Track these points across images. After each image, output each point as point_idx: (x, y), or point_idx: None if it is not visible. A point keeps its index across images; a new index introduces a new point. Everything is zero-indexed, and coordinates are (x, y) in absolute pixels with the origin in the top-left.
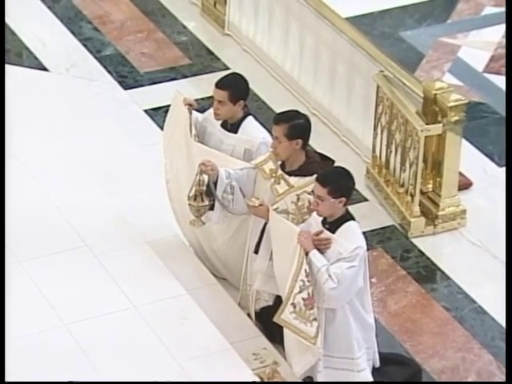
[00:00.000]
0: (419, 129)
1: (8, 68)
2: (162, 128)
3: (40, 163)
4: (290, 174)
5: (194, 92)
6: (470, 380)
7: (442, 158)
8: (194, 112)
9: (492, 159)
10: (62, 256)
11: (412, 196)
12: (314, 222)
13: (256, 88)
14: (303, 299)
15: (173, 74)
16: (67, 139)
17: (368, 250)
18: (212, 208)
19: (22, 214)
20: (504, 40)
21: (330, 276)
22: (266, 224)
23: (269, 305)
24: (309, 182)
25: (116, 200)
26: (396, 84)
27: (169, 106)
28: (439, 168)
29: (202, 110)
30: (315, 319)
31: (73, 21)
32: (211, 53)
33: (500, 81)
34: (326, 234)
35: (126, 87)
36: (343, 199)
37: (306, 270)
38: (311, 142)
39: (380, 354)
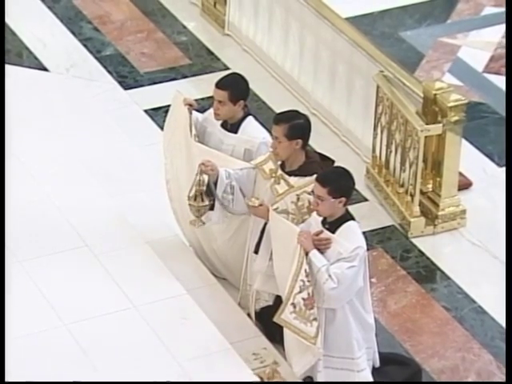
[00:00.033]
0: (419, 129)
1: (8, 68)
2: (162, 128)
3: (40, 163)
4: (290, 174)
5: (194, 92)
6: (469, 380)
7: (441, 158)
8: (194, 112)
9: (492, 159)
10: (62, 256)
11: (412, 196)
12: (314, 221)
13: (256, 88)
14: (303, 299)
15: (173, 74)
16: (67, 139)
17: (368, 249)
18: (212, 208)
19: (22, 214)
20: (504, 40)
21: (330, 276)
22: (265, 224)
23: (269, 305)
24: (309, 182)
25: (116, 200)
26: (396, 84)
27: (169, 106)
28: (439, 168)
29: (202, 110)
30: (315, 319)
31: (73, 21)
32: (211, 53)
33: (500, 81)
34: (326, 233)
35: (126, 87)
36: (343, 199)
37: (306, 270)
38: (311, 142)
39: (380, 353)
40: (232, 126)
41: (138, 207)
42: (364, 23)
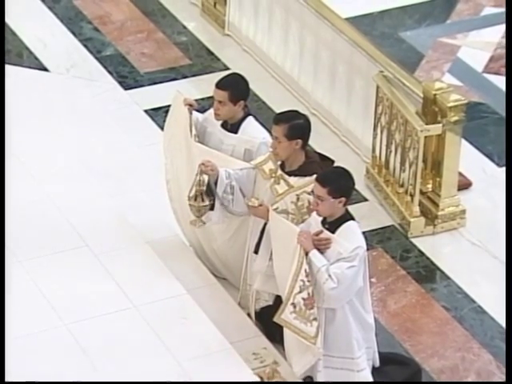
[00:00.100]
0: (419, 129)
1: (8, 68)
2: (162, 128)
3: (40, 163)
4: (290, 174)
5: (194, 92)
6: (469, 380)
7: (441, 158)
8: (194, 112)
9: (491, 159)
10: (62, 256)
11: (412, 196)
12: (314, 221)
13: (256, 88)
14: (303, 299)
15: (173, 74)
16: (67, 139)
17: (368, 249)
18: (212, 208)
19: (22, 214)
20: (503, 40)
21: (329, 276)
22: (265, 224)
23: (269, 304)
24: (308, 182)
25: (116, 200)
26: (396, 84)
27: (169, 106)
28: (439, 168)
29: (202, 110)
30: (315, 319)
31: (73, 21)
32: (211, 53)
33: (499, 81)
34: (326, 233)
35: (127, 87)
36: (343, 199)
37: (305, 270)
38: (311, 142)
39: (380, 353)
40: (232, 126)
41: (138, 207)
42: (364, 23)
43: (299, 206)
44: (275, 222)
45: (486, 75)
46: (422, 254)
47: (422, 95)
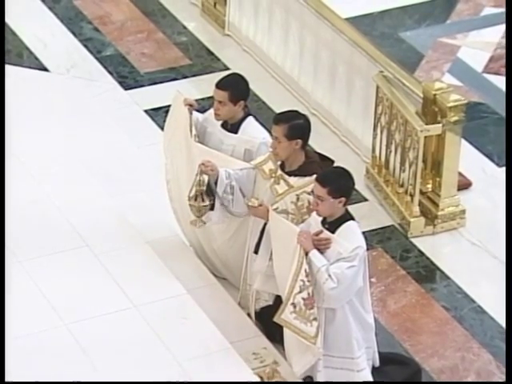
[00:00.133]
0: (419, 129)
1: (8, 68)
2: (162, 128)
3: (40, 163)
4: (290, 174)
5: (194, 92)
6: (469, 380)
7: (441, 158)
8: (194, 112)
9: (491, 159)
10: (63, 256)
11: (411, 196)
12: (314, 221)
13: (256, 88)
14: (303, 299)
15: (173, 74)
16: (67, 139)
17: (368, 249)
18: (212, 208)
19: (22, 214)
20: (503, 40)
21: (329, 276)
22: (265, 224)
23: (269, 304)
24: (308, 182)
25: (116, 200)
26: (396, 84)
27: (169, 106)
28: (439, 168)
29: (202, 111)
30: (315, 319)
31: (73, 21)
32: (211, 53)
33: (499, 81)
34: (326, 233)
35: (127, 87)
36: (343, 199)
37: (305, 270)
38: (311, 142)
39: (380, 353)
40: (232, 127)
41: (138, 207)
42: (364, 23)
43: (299, 206)
44: (275, 222)
45: (485, 75)
46: (421, 253)
47: (421, 95)
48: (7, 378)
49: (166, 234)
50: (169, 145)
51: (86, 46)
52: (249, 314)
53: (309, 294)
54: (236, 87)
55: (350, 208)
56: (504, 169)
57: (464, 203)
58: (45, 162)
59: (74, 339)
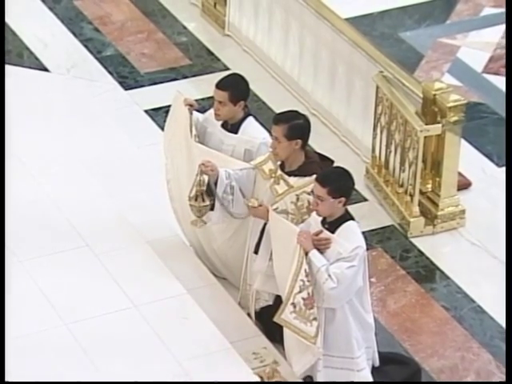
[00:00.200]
0: (418, 129)
1: (9, 68)
2: (162, 128)
3: (40, 163)
4: (290, 174)
5: (194, 92)
6: (469, 379)
7: (441, 158)
8: (194, 112)
9: (491, 159)
10: (63, 255)
11: (411, 196)
12: (314, 221)
13: (256, 88)
14: (303, 299)
15: (173, 74)
16: (68, 139)
17: (367, 249)
18: (213, 208)
19: (22, 214)
20: (503, 41)
21: (329, 276)
22: (265, 224)
23: (269, 304)
24: (308, 182)
25: (116, 200)
26: (395, 84)
27: (169, 106)
28: (438, 168)
29: (202, 111)
30: (315, 319)
31: (73, 21)
32: (211, 53)
33: (499, 81)
34: (326, 233)
35: (127, 87)
36: (343, 199)
37: (305, 270)
38: (311, 142)
39: (379, 353)
40: (232, 127)
41: (138, 207)
42: (364, 24)
43: (299, 206)
44: (275, 222)
45: (485, 75)
46: (421, 253)
47: (421, 95)
48: (7, 378)
49: (166, 234)
50: (169, 145)
51: (86, 46)
52: (249, 314)
53: (309, 293)
54: (236, 87)
55: (350, 208)
56: (504, 169)
57: (464, 203)
58: (45, 162)
59: (74, 339)
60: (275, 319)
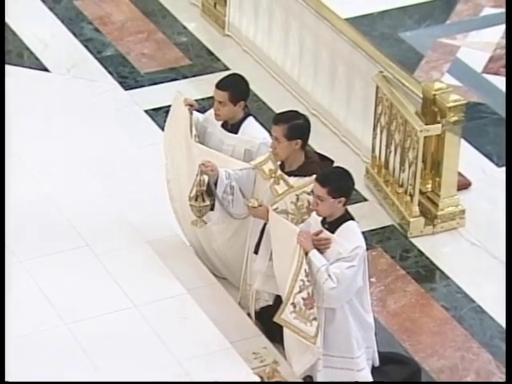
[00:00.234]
0: (418, 129)
1: (9, 68)
2: (162, 128)
3: (41, 163)
4: (290, 174)
5: (194, 92)
6: (468, 379)
7: (441, 158)
8: (194, 112)
9: (491, 159)
10: (63, 255)
11: (411, 196)
12: (314, 221)
13: (256, 88)
14: (303, 299)
15: (173, 74)
16: (68, 139)
17: (367, 249)
18: (213, 208)
19: (22, 214)
20: (503, 41)
21: (329, 276)
22: (265, 224)
23: (269, 304)
24: (308, 182)
25: (116, 200)
26: (395, 84)
27: (169, 106)
28: (438, 168)
29: (202, 111)
30: (315, 319)
31: (74, 21)
32: (211, 53)
33: (499, 81)
34: (326, 233)
35: (127, 88)
36: (343, 199)
37: (305, 270)
38: (311, 143)
39: (379, 353)
40: (232, 127)
41: (138, 207)
42: (364, 24)
43: (299, 206)
44: (275, 222)
45: (485, 75)
46: (421, 253)
47: (421, 95)
48: (7, 378)
49: (166, 234)
50: (169, 145)
51: (86, 47)
52: (249, 314)
53: (308, 293)
54: (236, 87)
55: (350, 208)
56: (503, 169)
57: (463, 203)
58: (45, 162)
59: (74, 339)
60: (275, 319)
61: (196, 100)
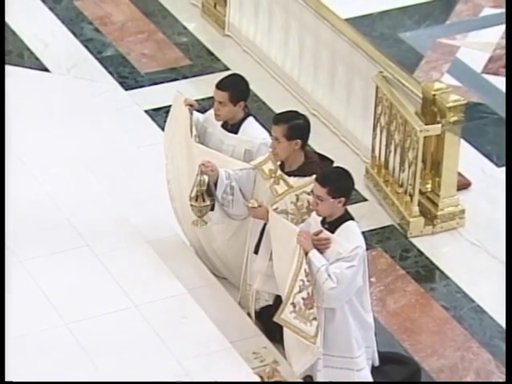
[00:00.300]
0: (418, 129)
1: (9, 68)
2: (162, 128)
3: (41, 163)
4: (290, 174)
5: (194, 93)
6: (468, 379)
7: (440, 158)
8: (194, 112)
9: (490, 159)
10: (63, 255)
11: (411, 196)
12: (314, 221)
13: (256, 89)
14: (303, 299)
15: (173, 74)
16: (68, 139)
17: (367, 249)
18: (213, 208)
19: (22, 214)
20: (503, 41)
21: (329, 276)
22: (265, 224)
23: (269, 304)
24: (308, 183)
25: (116, 200)
26: (395, 85)
27: (169, 106)
28: (438, 168)
29: (202, 111)
30: (315, 318)
31: (74, 22)
32: (211, 54)
33: (498, 81)
34: (326, 233)
35: (127, 88)
36: (342, 199)
37: (305, 270)
38: (311, 143)
39: (379, 353)
40: (232, 127)
41: (138, 207)
42: (363, 24)
43: (299, 206)
44: (275, 222)
45: (484, 76)
46: (421, 253)
47: (421, 95)
48: (7, 378)
49: (167, 234)
50: (169, 145)
51: (86, 47)
52: (249, 314)
53: (308, 293)
54: (236, 88)
55: (350, 208)
56: (503, 169)
57: (463, 203)
58: (45, 162)
59: (74, 339)
60: (275, 319)
61: (196, 100)
